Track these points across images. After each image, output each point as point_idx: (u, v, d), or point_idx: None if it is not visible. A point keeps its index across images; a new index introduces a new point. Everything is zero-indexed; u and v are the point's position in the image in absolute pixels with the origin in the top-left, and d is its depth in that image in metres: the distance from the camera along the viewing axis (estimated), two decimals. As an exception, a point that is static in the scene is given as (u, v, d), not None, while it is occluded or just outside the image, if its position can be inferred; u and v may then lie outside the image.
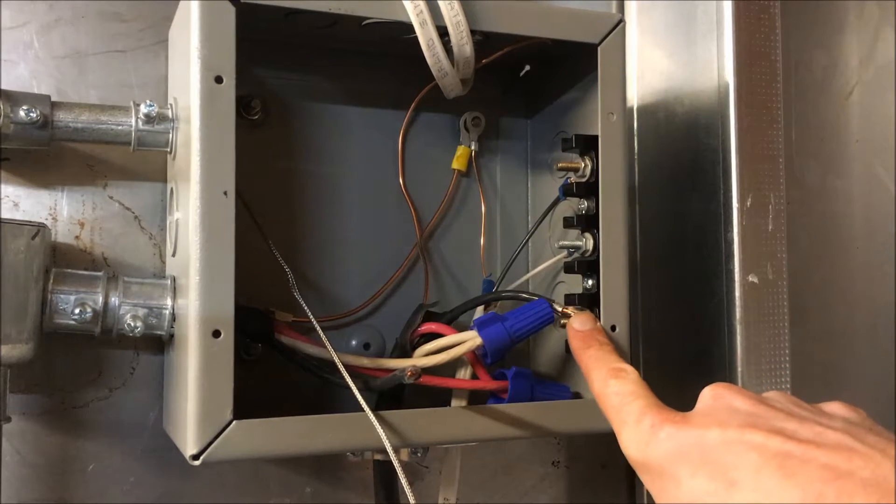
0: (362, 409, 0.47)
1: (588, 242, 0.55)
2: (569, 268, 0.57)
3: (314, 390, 0.57)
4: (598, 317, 0.54)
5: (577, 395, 0.56)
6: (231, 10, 0.47)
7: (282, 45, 0.57)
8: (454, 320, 0.56)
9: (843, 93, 0.77)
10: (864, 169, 0.77)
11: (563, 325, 0.52)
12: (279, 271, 0.53)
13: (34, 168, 0.57)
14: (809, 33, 0.76)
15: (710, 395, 0.38)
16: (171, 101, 0.53)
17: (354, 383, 0.48)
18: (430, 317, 0.55)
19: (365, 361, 0.52)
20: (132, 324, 0.50)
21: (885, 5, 0.79)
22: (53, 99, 0.52)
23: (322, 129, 0.59)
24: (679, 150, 0.68)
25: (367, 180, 0.60)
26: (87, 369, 0.57)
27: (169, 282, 0.52)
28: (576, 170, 0.56)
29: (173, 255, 0.54)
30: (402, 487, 0.45)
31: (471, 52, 0.51)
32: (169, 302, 0.51)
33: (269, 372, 0.56)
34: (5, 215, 0.56)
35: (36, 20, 0.58)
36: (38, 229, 0.49)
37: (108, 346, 0.58)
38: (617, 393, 0.41)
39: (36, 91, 0.57)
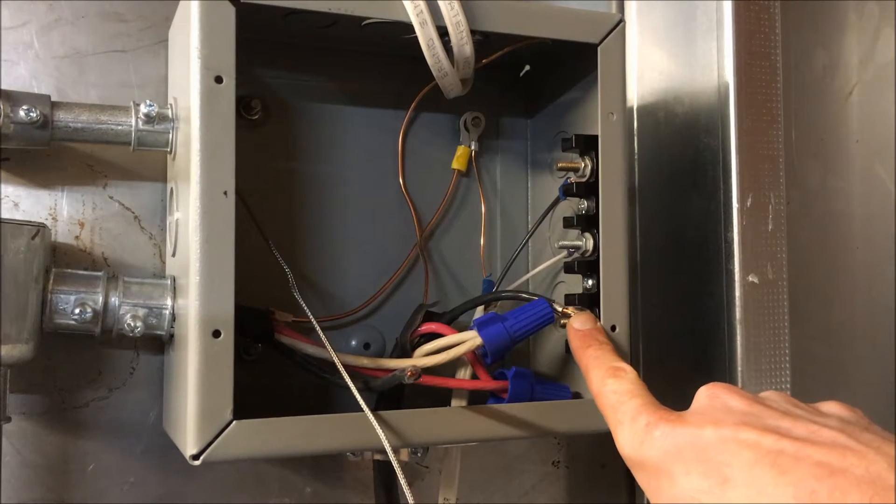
0: (362, 409, 0.47)
1: (588, 242, 0.55)
2: (569, 268, 0.57)
3: (314, 390, 0.57)
4: (598, 317, 0.54)
5: (577, 395, 0.56)
6: (231, 10, 0.47)
7: (282, 45, 0.57)
8: (454, 320, 0.56)
9: (843, 93, 0.77)
10: (864, 169, 0.77)
11: (563, 325, 0.52)
12: (279, 271, 0.53)
13: (34, 168, 0.57)
14: (809, 33, 0.76)
15: (706, 395, 0.38)
16: (171, 101, 0.53)
17: (354, 383, 0.48)
18: (430, 317, 0.55)
19: (365, 361, 0.52)
20: (132, 324, 0.50)
21: (885, 5, 0.79)
22: (53, 99, 0.52)
23: (322, 129, 0.59)
24: (679, 150, 0.68)
25: (367, 180, 0.60)
26: (87, 369, 0.57)
27: (169, 282, 0.52)
28: (576, 170, 0.56)
29: (173, 255, 0.54)
30: (402, 487, 0.45)
31: (471, 52, 0.51)
32: (169, 302, 0.51)
33: (269, 372, 0.56)
34: (5, 215, 0.56)
35: (36, 20, 0.58)
36: (38, 229, 0.49)
37: (108, 346, 0.58)
38: (614, 392, 0.41)
39: (36, 91, 0.57)
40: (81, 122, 0.52)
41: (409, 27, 0.50)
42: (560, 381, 0.58)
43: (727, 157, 0.62)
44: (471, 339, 0.51)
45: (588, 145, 0.55)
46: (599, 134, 0.54)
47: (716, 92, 0.64)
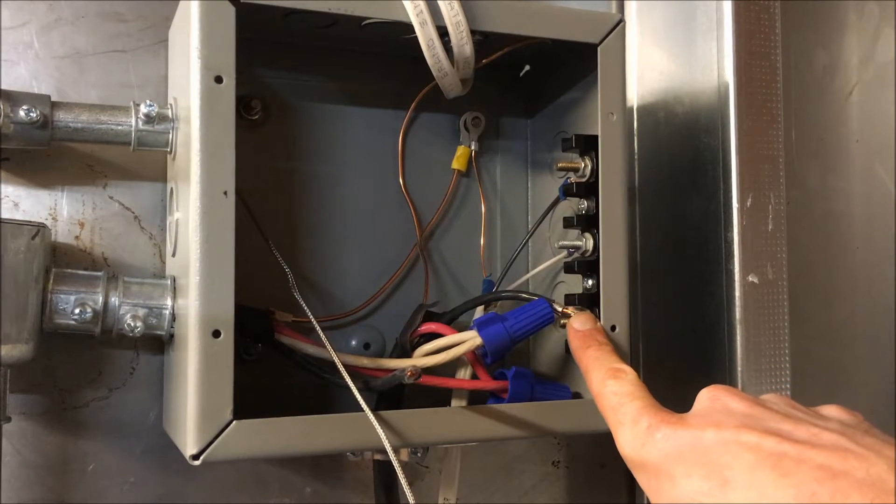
0: (362, 409, 0.47)
1: (588, 242, 0.55)
2: (569, 268, 0.57)
3: (314, 390, 0.57)
4: (598, 317, 0.54)
5: (577, 395, 0.56)
6: (231, 10, 0.47)
7: (282, 45, 0.57)
8: (454, 320, 0.56)
9: (843, 93, 0.77)
10: (864, 169, 0.77)
11: (563, 325, 0.52)
12: (279, 271, 0.53)
13: (34, 168, 0.57)
14: (809, 33, 0.76)
15: (707, 397, 0.38)
16: (171, 101, 0.53)
17: (354, 383, 0.48)
18: (430, 317, 0.55)
19: (365, 361, 0.52)
20: (132, 324, 0.50)
21: (885, 5, 0.79)
22: (53, 99, 0.52)
23: (322, 129, 0.59)
24: (679, 150, 0.68)
25: (367, 180, 0.60)
26: (87, 369, 0.57)
27: (169, 282, 0.52)
28: (576, 170, 0.56)
29: (173, 255, 0.54)
30: (402, 487, 0.45)
31: (471, 52, 0.51)
32: (169, 302, 0.51)
33: (269, 372, 0.56)
34: (5, 215, 0.56)
35: (36, 20, 0.58)
36: (38, 229, 0.49)
37: (108, 346, 0.58)
38: (615, 393, 0.41)
39: (36, 91, 0.57)
40: (81, 122, 0.52)
41: (409, 27, 0.50)
42: (560, 381, 0.58)
43: (727, 157, 0.62)
44: (471, 339, 0.51)
45: (588, 145, 0.55)
46: (599, 134, 0.54)
47: (716, 92, 0.64)
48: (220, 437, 0.45)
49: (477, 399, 0.53)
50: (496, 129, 0.64)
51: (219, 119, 0.46)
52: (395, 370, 0.49)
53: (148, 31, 0.60)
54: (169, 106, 0.52)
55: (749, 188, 0.62)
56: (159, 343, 0.58)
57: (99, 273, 0.52)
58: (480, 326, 0.51)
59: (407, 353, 0.54)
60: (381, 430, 0.47)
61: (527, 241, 0.63)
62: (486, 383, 0.53)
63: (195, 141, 0.46)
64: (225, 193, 0.46)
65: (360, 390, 0.48)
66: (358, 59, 0.60)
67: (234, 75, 0.46)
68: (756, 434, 0.34)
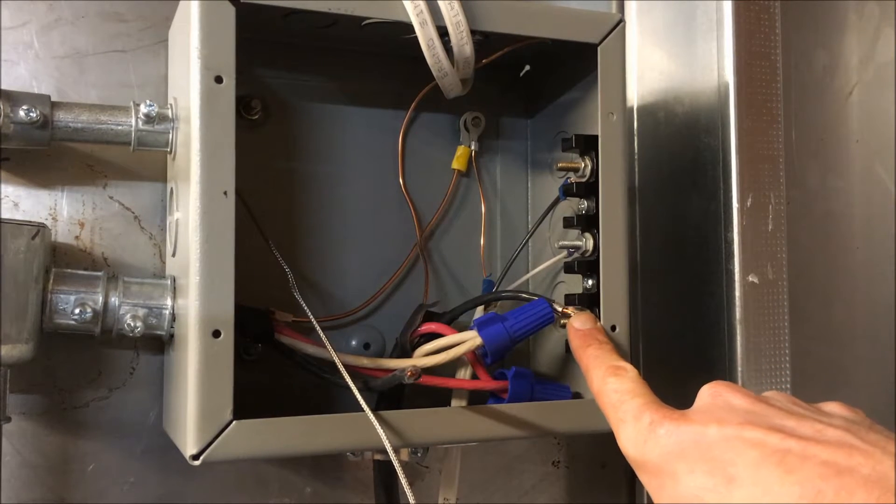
0: (362, 409, 0.47)
1: (588, 242, 0.55)
2: (569, 268, 0.57)
3: (314, 390, 0.57)
4: (598, 317, 0.54)
5: (577, 395, 0.56)
6: (231, 10, 0.47)
7: (282, 45, 0.57)
8: (454, 320, 0.56)
9: (843, 93, 0.77)
10: (864, 169, 0.77)
11: (563, 325, 0.52)
12: (279, 271, 0.53)
13: (34, 168, 0.57)
14: (809, 33, 0.76)
15: (709, 394, 0.38)
16: (171, 101, 0.53)
17: (354, 383, 0.48)
18: (430, 317, 0.55)
19: (365, 361, 0.52)
20: (132, 324, 0.50)
21: (885, 5, 0.79)
22: (53, 99, 0.52)
23: (322, 129, 0.59)
24: (679, 150, 0.68)
25: (367, 180, 0.60)
26: (87, 369, 0.57)
27: (169, 282, 0.52)
28: (576, 170, 0.56)
29: (173, 255, 0.54)
30: (402, 487, 0.45)
31: (471, 52, 0.51)
32: (169, 302, 0.51)
33: (269, 372, 0.56)
34: (5, 215, 0.56)
35: (36, 20, 0.58)
36: (38, 229, 0.49)
37: (108, 346, 0.58)
38: (616, 391, 0.41)
39: (36, 91, 0.57)
40: (81, 122, 0.52)
41: (409, 27, 0.50)
42: (560, 381, 0.58)
43: (727, 157, 0.62)
44: (471, 339, 0.51)
45: (588, 145, 0.55)
46: (599, 134, 0.54)
47: (716, 92, 0.64)
48: (219, 438, 0.45)
49: (477, 399, 0.53)
50: (496, 129, 0.64)
51: (219, 119, 0.46)
52: (395, 370, 0.49)
53: (148, 31, 0.60)
54: (169, 106, 0.52)
55: (749, 188, 0.62)
56: (159, 343, 0.58)
57: (99, 273, 0.52)
58: (480, 326, 0.51)
59: (407, 353, 0.54)
60: (381, 430, 0.47)
61: (527, 241, 0.63)
62: (486, 383, 0.53)
63: (195, 141, 0.46)
64: (225, 193, 0.46)
65: (360, 390, 0.48)
66: (358, 59, 0.60)
67: (234, 75, 0.46)
68: (760, 430, 0.33)
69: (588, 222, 0.55)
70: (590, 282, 0.56)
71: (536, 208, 0.64)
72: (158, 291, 0.51)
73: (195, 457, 0.45)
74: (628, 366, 0.44)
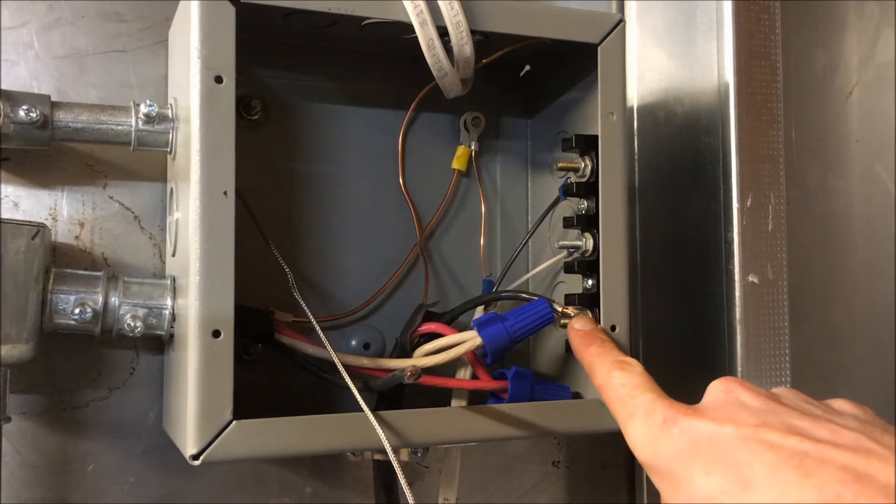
0: (362, 410, 0.47)
1: (588, 242, 0.55)
2: (569, 268, 0.57)
3: (314, 390, 0.57)
4: (598, 317, 0.54)
5: (577, 395, 0.56)
6: (231, 10, 0.47)
7: (282, 45, 0.57)
8: (454, 320, 0.56)
9: (843, 93, 0.77)
10: (864, 169, 0.77)
11: (564, 325, 0.52)
12: (279, 271, 0.53)
13: (34, 168, 0.57)
14: (809, 33, 0.76)
15: (720, 389, 0.37)
16: (171, 101, 0.53)
17: (354, 383, 0.48)
18: (430, 317, 0.55)
19: (365, 361, 0.52)
20: (132, 324, 0.50)
21: (885, 5, 0.79)
22: (53, 99, 0.52)
23: (322, 129, 0.59)
24: (679, 150, 0.68)
25: (367, 180, 0.60)
26: (87, 369, 0.57)
27: (169, 282, 0.52)
28: (576, 170, 0.56)
29: (173, 255, 0.54)
30: (402, 487, 0.45)
31: (471, 52, 0.51)
32: (169, 302, 0.51)
33: (269, 372, 0.56)
34: (5, 215, 0.56)
35: (36, 20, 0.58)
36: (38, 229, 0.49)
37: (108, 346, 0.58)
38: (622, 385, 0.40)
39: (36, 91, 0.57)
40: (81, 122, 0.52)
41: (409, 27, 0.50)
42: (560, 381, 0.58)
43: (727, 157, 0.62)
44: (471, 339, 0.51)
45: (588, 145, 0.55)
46: (599, 134, 0.54)
47: (716, 92, 0.64)
48: (219, 438, 0.45)
49: (477, 399, 0.53)
50: (496, 129, 0.64)
51: (219, 119, 0.46)
52: (395, 370, 0.49)
53: (148, 31, 0.60)
54: (169, 106, 0.52)
55: (749, 188, 0.62)
56: (159, 343, 0.58)
57: (99, 273, 0.52)
58: (480, 326, 0.51)
59: (407, 353, 0.54)
60: (381, 430, 0.47)
61: (527, 241, 0.63)
62: (486, 383, 0.53)
63: (195, 141, 0.46)
64: (225, 193, 0.46)
65: (360, 390, 0.48)
66: (358, 59, 0.60)
67: (234, 75, 0.46)
68: (777, 433, 0.33)
69: (588, 222, 0.55)
70: (590, 282, 0.56)
71: (536, 208, 0.64)
72: (158, 291, 0.51)
73: (195, 457, 0.45)
74: (633, 360, 0.43)
